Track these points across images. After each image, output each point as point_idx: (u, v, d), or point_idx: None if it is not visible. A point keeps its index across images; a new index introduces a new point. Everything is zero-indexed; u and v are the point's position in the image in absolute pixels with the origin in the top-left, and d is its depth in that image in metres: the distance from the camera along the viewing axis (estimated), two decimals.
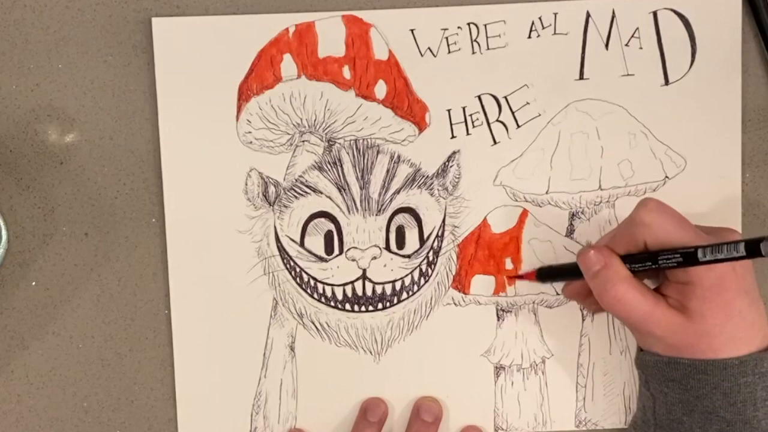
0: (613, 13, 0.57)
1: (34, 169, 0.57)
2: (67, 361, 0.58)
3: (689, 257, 0.47)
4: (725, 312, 0.48)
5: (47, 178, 0.57)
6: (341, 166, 0.57)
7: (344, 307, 0.58)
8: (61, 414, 0.58)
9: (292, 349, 0.58)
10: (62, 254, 0.57)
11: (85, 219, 0.57)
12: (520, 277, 0.57)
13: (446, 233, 0.58)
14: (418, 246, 0.57)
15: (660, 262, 0.48)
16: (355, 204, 0.57)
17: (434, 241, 0.57)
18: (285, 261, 0.57)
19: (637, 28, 0.57)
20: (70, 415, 0.58)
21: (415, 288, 0.58)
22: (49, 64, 0.56)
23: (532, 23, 0.57)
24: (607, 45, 0.57)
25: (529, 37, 0.57)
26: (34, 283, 0.57)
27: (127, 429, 0.58)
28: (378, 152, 0.57)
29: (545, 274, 0.56)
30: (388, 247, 0.57)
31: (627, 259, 0.50)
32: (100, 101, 0.57)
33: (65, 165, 0.57)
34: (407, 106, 0.57)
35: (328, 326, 0.58)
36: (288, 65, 0.56)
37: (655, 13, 0.57)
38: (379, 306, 0.58)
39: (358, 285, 0.57)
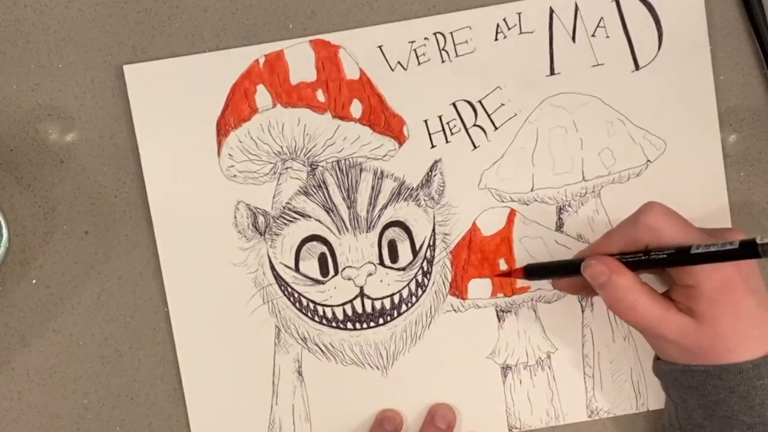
0: (576, 5, 0.57)
1: (35, 168, 0.58)
2: (68, 358, 0.58)
3: (682, 253, 0.47)
4: (734, 313, 0.48)
5: (48, 176, 0.58)
6: (326, 188, 0.58)
7: (346, 326, 0.58)
8: (61, 411, 0.59)
9: (299, 373, 0.58)
10: (62, 252, 0.58)
11: (86, 217, 0.58)
12: (508, 274, 0.57)
13: (438, 242, 0.58)
14: (411, 258, 0.58)
15: (651, 255, 0.49)
16: (345, 224, 0.58)
17: (427, 250, 0.58)
18: (282, 288, 0.58)
19: (602, 18, 0.57)
20: (71, 412, 0.59)
21: (414, 299, 0.58)
22: (49, 64, 0.57)
23: (498, 26, 0.57)
24: (573, 38, 0.57)
25: (496, 39, 0.57)
26: (34, 281, 0.58)
27: (127, 426, 0.59)
28: (361, 170, 0.58)
29: (533, 272, 0.57)
30: (382, 263, 0.58)
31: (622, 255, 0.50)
32: (100, 101, 0.57)
33: (65, 164, 0.58)
34: (384, 121, 0.57)
35: (333, 347, 0.58)
36: (262, 96, 0.57)
37: (617, 1, 0.57)
38: (380, 321, 0.58)
39: (357, 303, 0.58)
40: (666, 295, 0.51)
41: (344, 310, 0.58)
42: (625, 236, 0.50)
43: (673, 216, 0.50)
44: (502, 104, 0.58)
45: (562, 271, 0.54)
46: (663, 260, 0.48)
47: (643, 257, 0.49)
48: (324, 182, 0.57)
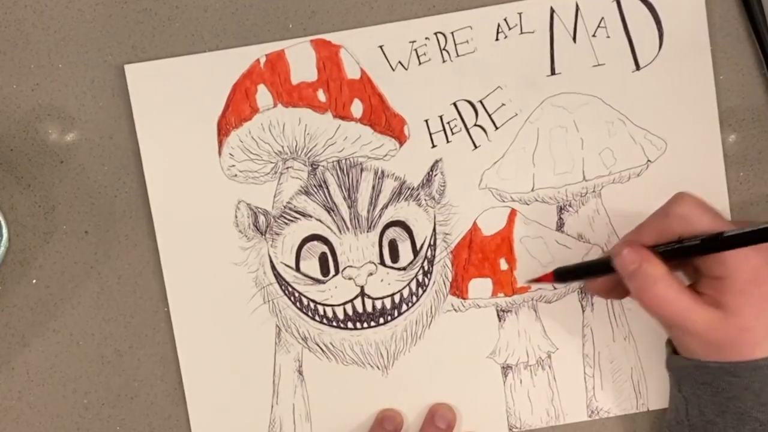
0: (577, 6, 0.57)
1: (35, 168, 0.58)
2: (68, 358, 0.58)
3: (715, 238, 0.47)
4: (762, 305, 0.47)
5: (48, 176, 0.58)
6: (327, 187, 0.58)
7: (346, 325, 0.58)
8: (61, 411, 0.59)
9: (300, 373, 0.58)
10: (62, 252, 0.58)
11: (86, 217, 0.58)
12: (538, 280, 0.57)
13: (438, 241, 0.58)
14: (412, 257, 0.58)
15: (685, 243, 0.48)
16: (345, 223, 0.58)
17: (427, 250, 0.58)
18: (283, 287, 0.58)
19: (603, 18, 0.57)
20: (71, 411, 0.59)
21: (414, 299, 0.58)
22: (49, 64, 0.57)
23: (498, 25, 0.57)
24: (574, 38, 0.57)
25: (497, 39, 0.57)
26: (34, 281, 0.58)
27: (127, 425, 0.59)
28: (362, 170, 0.58)
29: (563, 275, 0.56)
30: (382, 262, 0.58)
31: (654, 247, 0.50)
32: (100, 101, 0.57)
33: (65, 164, 0.57)
34: (385, 121, 0.57)
35: (333, 346, 0.58)
36: (263, 95, 0.57)
37: (618, 1, 0.57)
38: (381, 321, 0.58)
39: (358, 302, 0.58)
40: (692, 288, 0.50)
41: (345, 310, 0.58)
42: (657, 228, 0.50)
43: (704, 206, 0.49)
44: (503, 104, 0.58)
45: (593, 271, 0.54)
46: (696, 246, 0.48)
47: (677, 245, 0.48)
48: (325, 182, 0.58)
